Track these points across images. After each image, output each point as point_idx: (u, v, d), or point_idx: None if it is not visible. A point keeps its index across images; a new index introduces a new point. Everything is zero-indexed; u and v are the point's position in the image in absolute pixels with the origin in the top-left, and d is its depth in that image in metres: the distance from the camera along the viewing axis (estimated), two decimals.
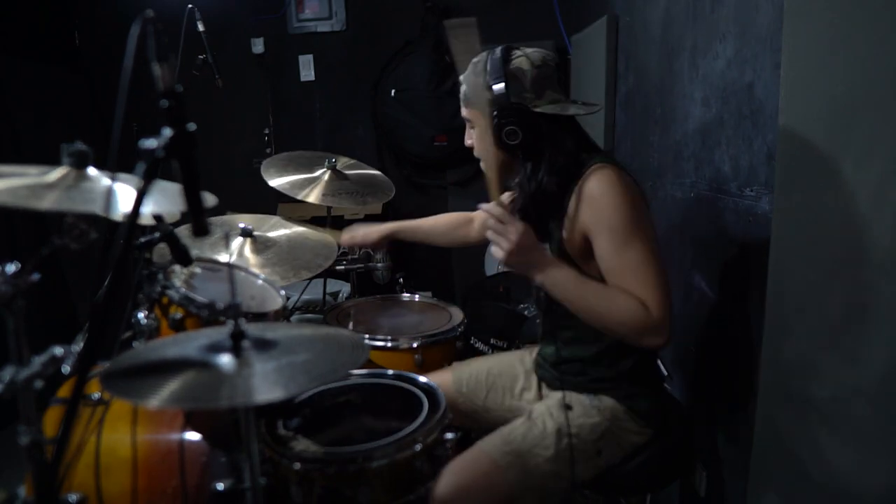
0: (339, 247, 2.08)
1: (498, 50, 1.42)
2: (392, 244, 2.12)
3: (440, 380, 1.66)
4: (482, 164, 1.50)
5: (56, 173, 1.11)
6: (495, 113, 1.37)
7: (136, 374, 0.92)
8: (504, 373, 1.67)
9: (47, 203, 0.99)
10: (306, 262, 1.92)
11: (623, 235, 1.29)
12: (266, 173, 2.18)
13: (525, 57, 1.40)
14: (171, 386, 0.86)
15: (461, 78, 1.48)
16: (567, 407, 1.41)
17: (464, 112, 1.52)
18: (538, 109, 1.38)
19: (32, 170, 1.11)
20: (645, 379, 1.48)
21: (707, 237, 1.75)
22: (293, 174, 2.22)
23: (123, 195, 1.08)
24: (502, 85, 1.37)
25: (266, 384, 0.88)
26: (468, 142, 1.54)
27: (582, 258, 1.38)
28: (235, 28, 3.83)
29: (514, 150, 1.39)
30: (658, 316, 1.25)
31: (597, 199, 1.32)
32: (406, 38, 3.82)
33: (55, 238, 0.96)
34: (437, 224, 2.07)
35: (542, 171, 1.39)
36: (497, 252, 1.28)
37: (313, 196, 2.14)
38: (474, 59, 1.44)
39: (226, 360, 0.93)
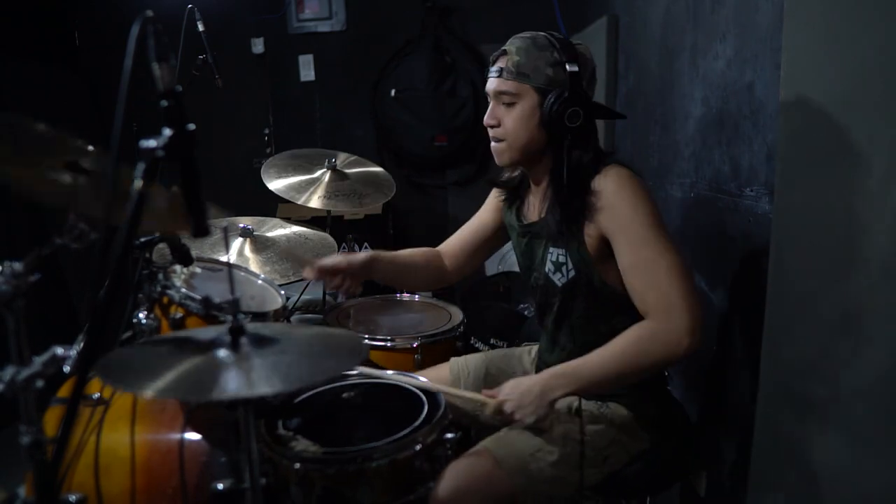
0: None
1: (556, 34, 1.38)
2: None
3: (438, 375, 1.66)
4: (501, 146, 1.42)
5: None
6: (565, 91, 1.32)
7: (133, 366, 0.93)
8: (503, 371, 1.67)
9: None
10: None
11: (640, 234, 1.30)
12: (266, 175, 2.21)
13: (584, 46, 1.39)
14: (168, 377, 0.86)
15: (510, 48, 1.36)
16: (577, 413, 1.41)
17: (505, 85, 1.36)
18: (595, 101, 1.39)
19: None
20: (652, 384, 1.48)
21: (707, 237, 1.75)
22: (293, 176, 2.25)
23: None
24: (577, 66, 1.33)
25: (264, 378, 0.88)
26: (492, 120, 1.41)
27: (600, 260, 1.38)
28: (235, 28, 3.83)
29: (564, 134, 1.35)
30: (677, 321, 1.25)
31: (613, 201, 1.32)
32: (406, 38, 3.82)
33: (55, 238, 0.96)
34: (415, 254, 1.79)
35: (574, 163, 1.36)
36: (528, 419, 1.32)
37: (314, 201, 2.17)
38: (526, 35, 1.38)
39: (224, 353, 0.93)
